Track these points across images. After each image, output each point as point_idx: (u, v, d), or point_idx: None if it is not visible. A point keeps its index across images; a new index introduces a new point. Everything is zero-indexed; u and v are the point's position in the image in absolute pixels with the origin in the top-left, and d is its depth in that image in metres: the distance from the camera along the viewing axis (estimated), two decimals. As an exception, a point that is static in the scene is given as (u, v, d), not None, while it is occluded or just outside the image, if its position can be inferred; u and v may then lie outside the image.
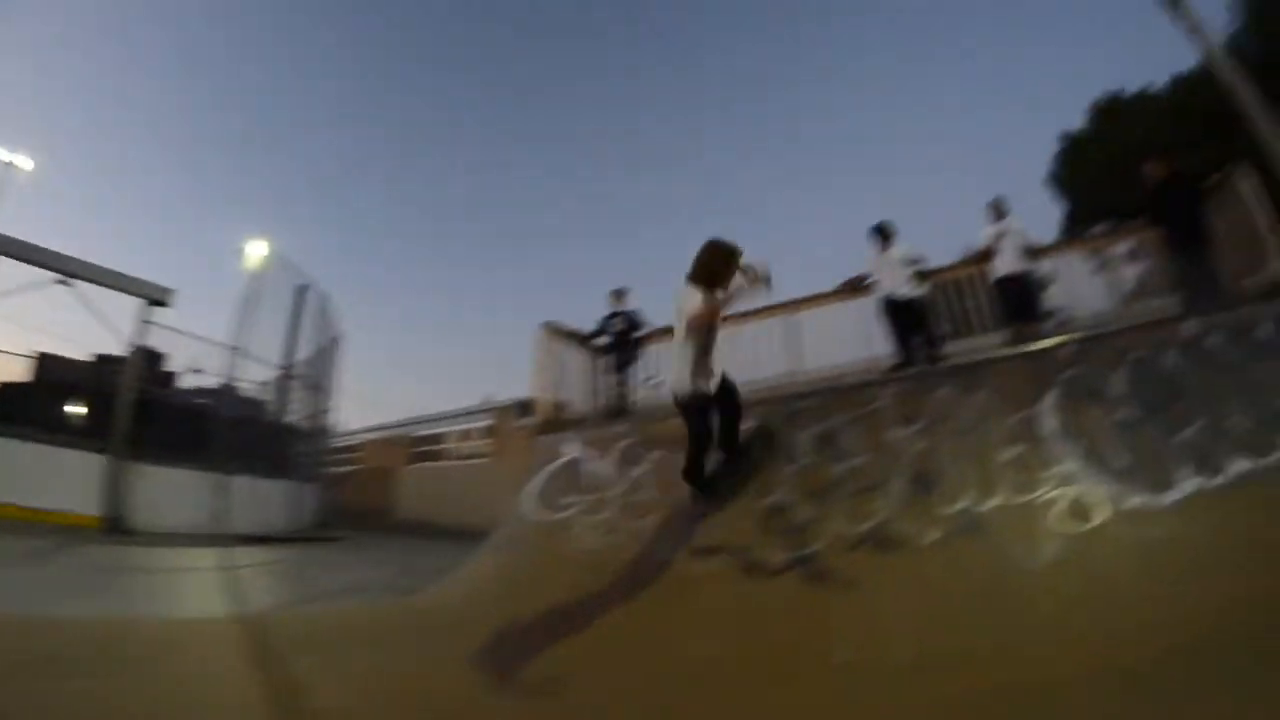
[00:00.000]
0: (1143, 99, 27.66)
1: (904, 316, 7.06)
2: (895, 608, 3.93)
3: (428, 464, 22.63)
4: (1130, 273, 8.09)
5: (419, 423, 24.06)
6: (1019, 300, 7.34)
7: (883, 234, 7.38)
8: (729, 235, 4.61)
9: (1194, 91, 22.64)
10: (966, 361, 5.50)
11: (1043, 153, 32.13)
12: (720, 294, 4.63)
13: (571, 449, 6.52)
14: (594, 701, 3.40)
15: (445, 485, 20.31)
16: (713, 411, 4.98)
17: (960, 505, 4.43)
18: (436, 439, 23.06)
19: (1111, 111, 28.39)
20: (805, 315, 8.07)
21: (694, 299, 4.60)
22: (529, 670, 3.86)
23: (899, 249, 7.34)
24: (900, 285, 7.08)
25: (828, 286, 8.13)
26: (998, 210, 7.70)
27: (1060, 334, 6.38)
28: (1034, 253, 7.62)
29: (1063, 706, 2.79)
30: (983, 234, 7.65)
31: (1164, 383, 4.81)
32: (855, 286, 7.71)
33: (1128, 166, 12.30)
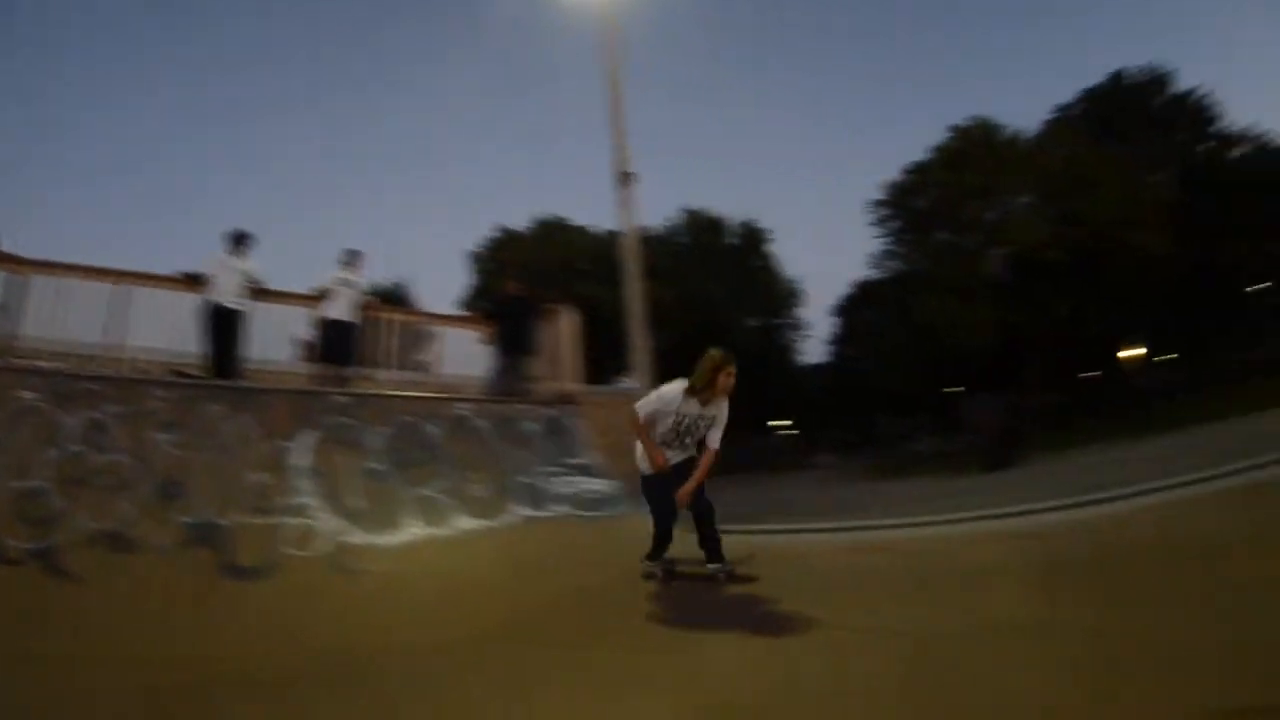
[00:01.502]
0: (582, 232, 36.37)
1: (225, 325, 7.02)
2: (116, 605, 3.94)
3: None
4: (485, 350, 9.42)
5: None
6: (338, 344, 7.70)
7: (234, 241, 7.35)
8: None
9: (611, 245, 29.89)
10: (243, 386, 5.85)
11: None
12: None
13: None
14: None
15: None
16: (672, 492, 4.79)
17: (201, 516, 4.61)
18: None
19: (553, 227, 37.20)
20: (141, 291, 7.32)
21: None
22: None
23: (244, 262, 7.32)
24: (232, 295, 7.06)
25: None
26: (350, 261, 8.11)
27: (354, 385, 7.30)
28: (365, 307, 8.24)
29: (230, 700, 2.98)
30: (329, 276, 7.96)
31: (423, 446, 5.93)
32: (194, 281, 7.44)
33: (544, 271, 15.27)
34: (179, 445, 4.96)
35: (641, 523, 7.02)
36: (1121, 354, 35.48)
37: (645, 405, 4.81)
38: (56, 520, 4.43)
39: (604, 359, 14.29)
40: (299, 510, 4.86)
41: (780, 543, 6.48)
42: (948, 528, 6.24)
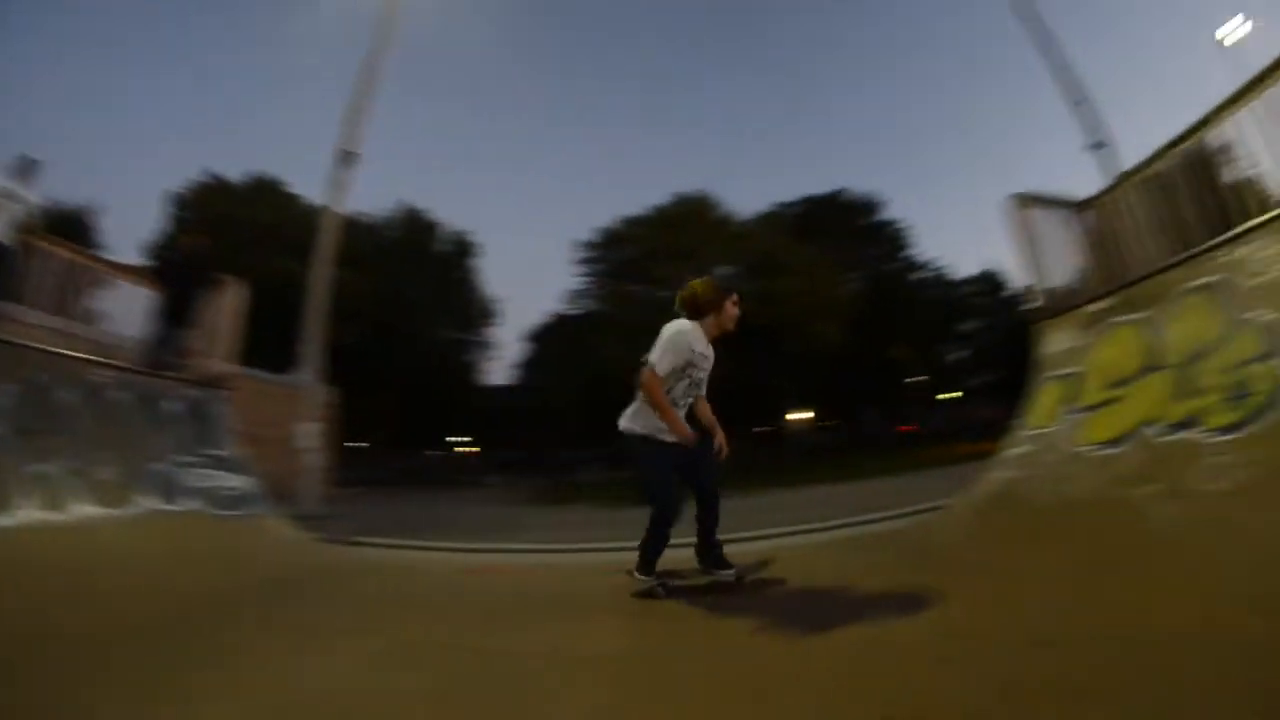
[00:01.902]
0: (295, 200, 33.31)
1: None
2: None
3: None
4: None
5: None
6: None
7: None
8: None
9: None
10: None
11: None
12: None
13: None
14: None
15: None
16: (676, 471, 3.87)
17: None
18: None
19: (267, 187, 33.94)
20: None
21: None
22: None
23: None
24: None
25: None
26: (22, 169, 6.83)
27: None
28: (27, 230, 6.94)
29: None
30: None
31: (53, 413, 5.22)
32: None
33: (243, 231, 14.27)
34: None
35: (276, 526, 6.67)
36: (791, 415, 43.40)
37: (665, 355, 3.72)
38: None
39: (280, 341, 13.68)
40: None
41: (410, 559, 6.46)
42: (570, 556, 6.44)
